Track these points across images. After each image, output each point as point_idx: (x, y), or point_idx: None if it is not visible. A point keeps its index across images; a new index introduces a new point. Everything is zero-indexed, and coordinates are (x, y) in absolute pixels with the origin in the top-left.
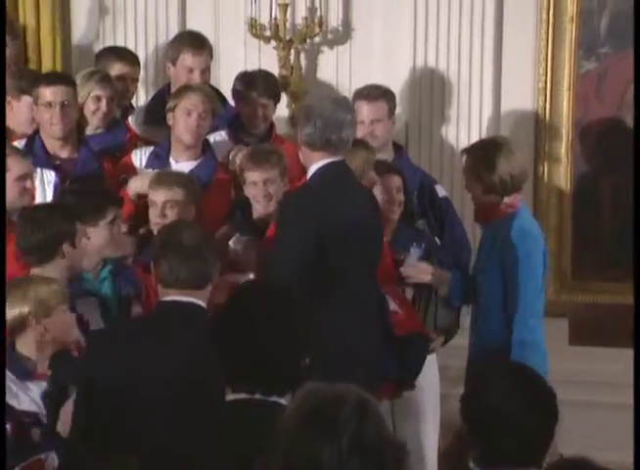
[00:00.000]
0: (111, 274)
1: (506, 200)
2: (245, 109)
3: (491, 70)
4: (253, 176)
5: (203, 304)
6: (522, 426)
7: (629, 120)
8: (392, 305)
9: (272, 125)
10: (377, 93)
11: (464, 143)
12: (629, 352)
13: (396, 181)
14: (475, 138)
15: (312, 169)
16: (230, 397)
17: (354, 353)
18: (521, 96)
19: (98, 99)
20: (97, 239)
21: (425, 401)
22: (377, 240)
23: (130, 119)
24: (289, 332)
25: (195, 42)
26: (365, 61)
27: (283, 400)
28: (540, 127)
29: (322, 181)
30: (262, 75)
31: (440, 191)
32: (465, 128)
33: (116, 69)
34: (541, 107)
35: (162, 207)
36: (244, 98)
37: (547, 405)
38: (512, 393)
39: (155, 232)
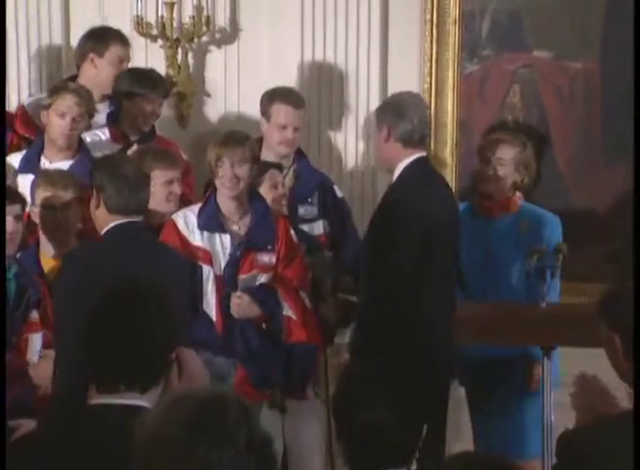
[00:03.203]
0: (15, 277)
1: (517, 193)
2: (132, 107)
3: (378, 70)
4: (161, 176)
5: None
6: (390, 427)
7: (509, 122)
8: (287, 311)
9: (153, 125)
10: (301, 101)
11: (352, 143)
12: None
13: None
14: (363, 138)
15: (402, 164)
16: (93, 401)
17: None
18: None
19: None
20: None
21: (313, 403)
22: (457, 234)
23: None
24: (154, 329)
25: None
26: (253, 60)
27: (145, 402)
28: None
29: (415, 175)
30: (151, 73)
31: (338, 192)
32: (353, 128)
33: None
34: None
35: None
36: (131, 96)
37: (415, 406)
38: (379, 394)
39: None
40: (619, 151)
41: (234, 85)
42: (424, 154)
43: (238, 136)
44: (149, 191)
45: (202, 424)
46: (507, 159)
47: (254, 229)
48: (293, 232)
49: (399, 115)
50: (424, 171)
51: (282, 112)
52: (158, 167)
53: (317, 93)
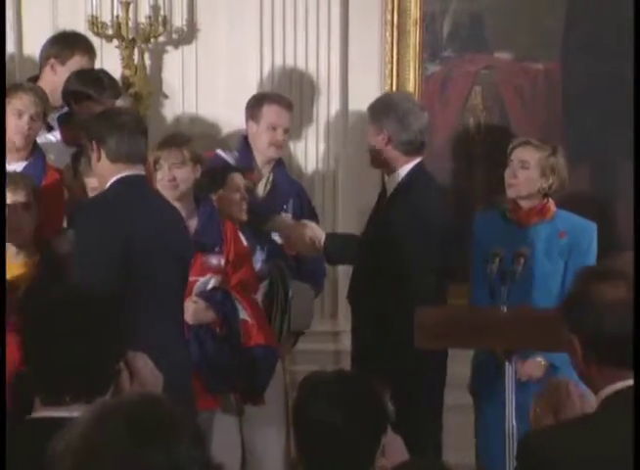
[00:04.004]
0: None
1: (551, 200)
2: (81, 110)
3: (338, 72)
4: None
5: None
6: (347, 436)
7: (472, 125)
8: (243, 314)
9: None
10: (291, 104)
11: (312, 145)
12: (469, 354)
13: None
14: (322, 140)
15: (403, 171)
16: (37, 414)
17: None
18: (368, 99)
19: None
20: None
21: (272, 409)
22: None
23: None
24: (98, 337)
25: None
26: (211, 61)
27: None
28: None
29: (424, 178)
30: (100, 74)
31: (313, 201)
32: (313, 131)
33: None
34: None
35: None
36: (80, 98)
37: (375, 414)
38: (337, 401)
39: None
40: (581, 152)
41: (192, 86)
42: (421, 158)
43: (177, 138)
44: (147, 140)
45: (141, 425)
46: (531, 162)
47: (201, 231)
48: (242, 236)
49: (403, 124)
50: (424, 176)
51: (273, 112)
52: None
53: None
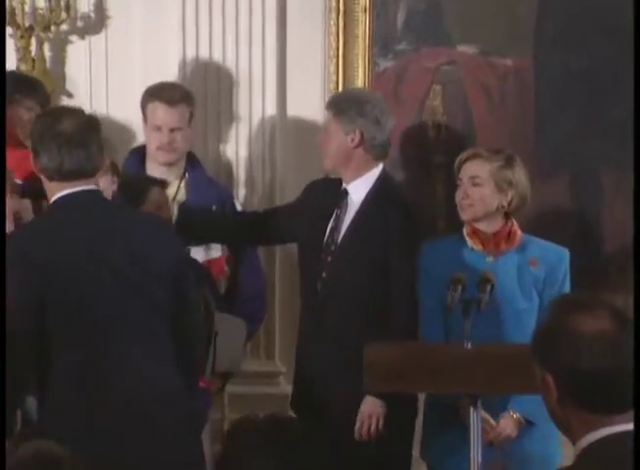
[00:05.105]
0: None
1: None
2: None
3: (275, 68)
4: None
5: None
6: None
7: (430, 130)
8: None
9: None
10: (177, 96)
11: (244, 147)
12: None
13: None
14: (258, 141)
15: (374, 175)
16: None
17: None
18: (309, 97)
19: None
20: None
21: None
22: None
23: None
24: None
25: None
26: (124, 53)
27: None
28: None
29: (396, 187)
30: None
31: (238, 206)
32: (245, 131)
33: None
34: None
35: None
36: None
37: (314, 467)
38: (270, 452)
39: None
40: (556, 160)
41: (101, 84)
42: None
43: None
44: (98, 148)
45: None
46: (482, 176)
47: None
48: None
49: (380, 124)
50: (393, 184)
51: (155, 110)
52: None
53: (203, 96)
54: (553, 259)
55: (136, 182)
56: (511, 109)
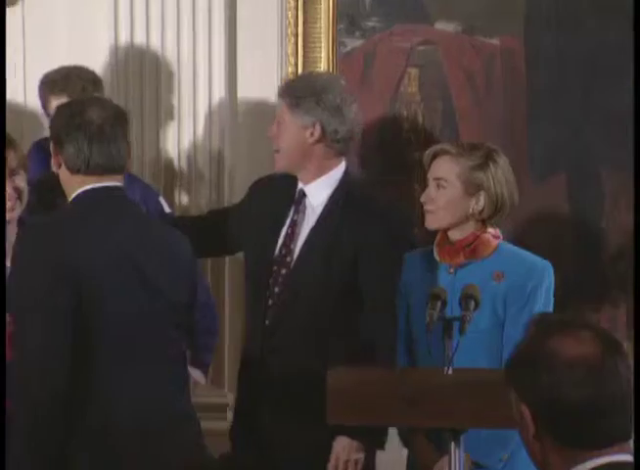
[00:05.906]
0: None
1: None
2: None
3: (223, 46)
4: None
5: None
6: None
7: (405, 120)
8: None
9: None
10: (72, 85)
11: (186, 138)
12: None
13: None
14: (202, 134)
15: (337, 174)
16: None
17: None
18: (263, 83)
19: None
20: None
21: None
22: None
23: None
24: None
25: None
26: (45, 33)
27: None
28: None
29: (361, 185)
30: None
31: (166, 207)
32: (190, 122)
33: None
34: None
35: None
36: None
37: None
38: None
39: None
40: (551, 159)
41: (19, 65)
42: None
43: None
44: (125, 142)
45: None
46: (449, 178)
47: None
48: None
49: (341, 114)
50: (358, 182)
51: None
52: None
53: (139, 86)
54: (520, 273)
55: (46, 186)
56: (498, 98)
